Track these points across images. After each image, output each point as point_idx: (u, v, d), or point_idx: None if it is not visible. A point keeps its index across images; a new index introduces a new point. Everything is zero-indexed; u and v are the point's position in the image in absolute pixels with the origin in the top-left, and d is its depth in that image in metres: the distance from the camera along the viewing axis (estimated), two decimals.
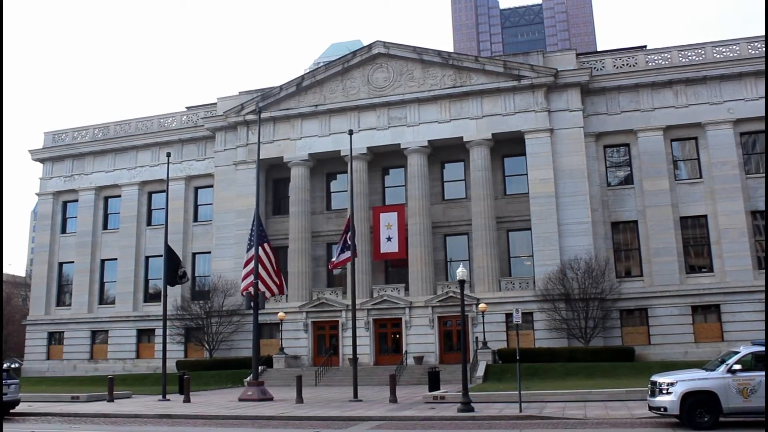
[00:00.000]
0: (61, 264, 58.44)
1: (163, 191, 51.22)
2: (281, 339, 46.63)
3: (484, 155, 46.63)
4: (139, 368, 52.12)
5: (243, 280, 36.50)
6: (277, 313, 46.24)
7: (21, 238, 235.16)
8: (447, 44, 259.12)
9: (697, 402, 18.71)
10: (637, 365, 37.74)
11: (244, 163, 51.11)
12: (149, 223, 56.22)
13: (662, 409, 19.31)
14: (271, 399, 31.96)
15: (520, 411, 23.64)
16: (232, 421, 24.65)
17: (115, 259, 55.98)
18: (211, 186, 53.93)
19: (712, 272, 43.41)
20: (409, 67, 48.90)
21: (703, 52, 45.88)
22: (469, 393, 25.56)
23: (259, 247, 34.73)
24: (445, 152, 49.08)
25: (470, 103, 47.28)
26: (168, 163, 40.40)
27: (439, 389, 31.65)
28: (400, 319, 46.00)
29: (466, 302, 33.56)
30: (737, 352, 19.39)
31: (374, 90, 49.22)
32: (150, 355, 52.49)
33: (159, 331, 49.28)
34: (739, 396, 18.46)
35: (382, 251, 47.76)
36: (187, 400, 31.37)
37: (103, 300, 56.44)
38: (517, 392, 25.11)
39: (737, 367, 18.74)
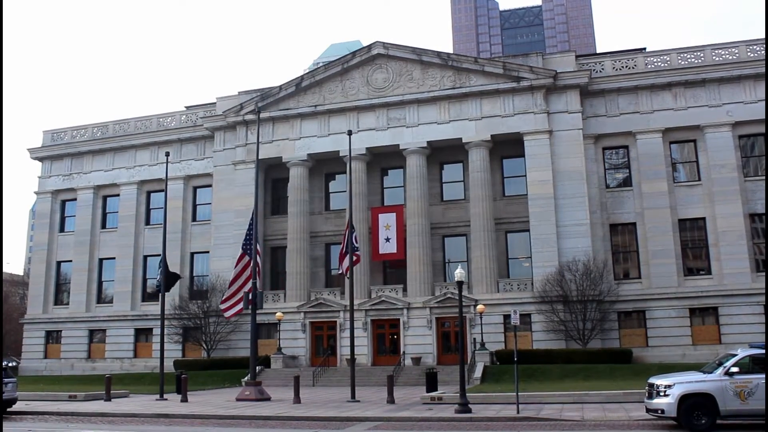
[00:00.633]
0: (59, 263, 58.39)
1: (161, 190, 51.37)
2: (279, 339, 46.62)
3: (483, 156, 46.65)
4: (137, 368, 52.08)
5: (226, 301, 35.54)
6: (275, 313, 46.24)
7: (19, 237, 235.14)
8: (446, 45, 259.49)
9: (695, 404, 18.73)
10: (635, 367, 37.78)
11: (243, 163, 51.10)
12: (148, 223, 56.19)
13: (659, 411, 19.34)
14: (268, 399, 31.96)
15: (518, 412, 23.65)
16: (230, 421, 24.64)
17: (114, 258, 55.94)
18: (210, 186, 53.92)
19: (710, 275, 43.44)
20: (408, 67, 48.92)
21: (702, 55, 45.94)
22: (467, 394, 25.58)
23: (249, 254, 34.72)
24: (444, 153, 49.10)
25: (469, 105, 47.31)
26: (167, 162, 40.37)
27: (436, 390, 31.65)
28: (398, 319, 46.00)
29: (464, 303, 33.63)
30: (735, 355, 19.43)
31: (373, 90, 49.24)
32: (148, 354, 52.45)
33: (157, 331, 49.20)
34: (737, 399, 18.48)
35: (380, 252, 47.77)
36: (184, 399, 31.37)
37: (101, 299, 56.39)
38: (515, 393, 25.14)
39: (735, 369, 18.77)
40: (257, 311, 34.45)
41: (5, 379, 26.35)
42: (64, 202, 59.40)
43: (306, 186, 50.52)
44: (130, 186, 56.56)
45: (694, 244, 44.65)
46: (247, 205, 46.37)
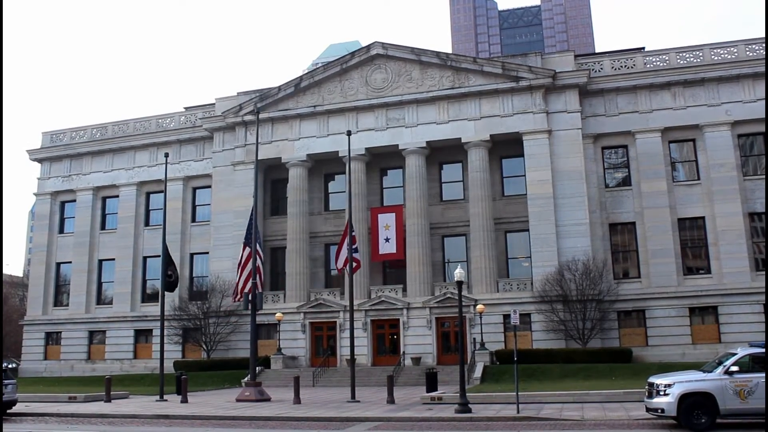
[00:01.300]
0: (58, 264, 58.39)
1: (161, 192, 51.35)
2: (279, 340, 46.62)
3: (482, 156, 46.66)
4: (137, 369, 52.06)
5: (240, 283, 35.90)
6: (275, 313, 46.23)
7: (18, 238, 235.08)
8: (445, 45, 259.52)
9: (695, 403, 18.73)
10: (635, 366, 37.78)
11: (243, 163, 51.10)
12: (147, 224, 56.19)
13: (659, 411, 19.34)
14: (268, 400, 31.95)
15: (518, 412, 23.66)
16: (230, 422, 24.63)
17: (113, 259, 55.93)
18: (209, 186, 53.91)
19: (710, 274, 43.46)
20: (407, 68, 48.93)
21: (701, 54, 45.96)
22: (467, 394, 25.58)
23: (250, 252, 34.70)
24: (444, 153, 49.11)
25: (468, 105, 47.32)
26: (166, 163, 40.34)
27: (436, 390, 31.65)
28: (398, 320, 46.01)
29: (463, 303, 33.63)
30: (734, 354, 19.43)
31: (373, 91, 49.24)
32: (147, 355, 52.44)
33: (156, 332, 49.23)
34: (737, 398, 18.48)
35: (380, 252, 47.77)
36: (184, 400, 31.35)
37: (100, 300, 56.38)
38: (515, 393, 25.14)
39: (734, 368, 18.77)
40: (257, 312, 34.43)
41: (5, 381, 26.34)
42: (63, 204, 59.39)
43: (305, 186, 50.52)
44: (129, 187, 56.55)
45: (693, 244, 44.66)
46: (247, 205, 46.36)
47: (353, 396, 30.77)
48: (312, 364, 46.18)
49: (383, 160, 50.45)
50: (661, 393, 19.29)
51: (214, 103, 54.57)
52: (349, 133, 39.03)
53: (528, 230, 45.38)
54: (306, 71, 73.75)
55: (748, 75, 44.38)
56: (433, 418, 23.64)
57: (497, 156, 48.27)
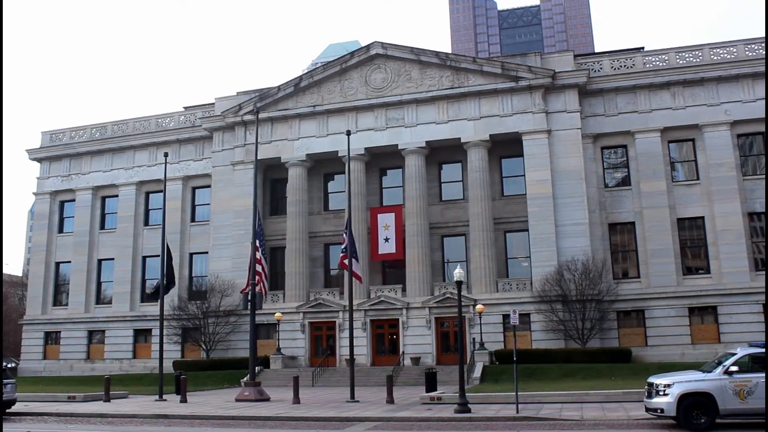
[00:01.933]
0: (58, 264, 58.34)
1: (160, 191, 51.31)
2: (278, 339, 46.59)
3: (482, 156, 46.64)
4: (136, 368, 52.03)
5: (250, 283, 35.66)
6: (274, 313, 46.19)
7: (18, 238, 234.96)
8: (445, 45, 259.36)
9: (694, 403, 18.72)
10: (634, 366, 37.78)
11: (242, 163, 51.07)
12: (146, 223, 56.16)
13: (659, 411, 19.33)
14: (268, 399, 31.94)
15: (517, 412, 23.65)
16: (229, 422, 24.62)
17: (112, 259, 55.90)
18: (209, 186, 53.88)
19: (709, 274, 43.45)
20: (407, 67, 48.91)
21: (700, 54, 45.95)
22: (466, 394, 25.57)
23: (257, 247, 34.72)
24: (443, 153, 49.09)
25: (468, 104, 47.30)
26: (165, 163, 40.35)
27: (436, 390, 31.64)
28: (398, 320, 45.99)
29: (463, 303, 33.59)
30: (734, 354, 19.42)
31: (372, 91, 49.22)
32: (147, 355, 52.42)
33: (156, 331, 49.24)
34: (736, 398, 18.47)
35: (379, 252, 47.75)
36: (183, 400, 31.33)
37: (100, 300, 56.34)
38: (514, 393, 25.12)
39: (734, 368, 18.76)
40: (256, 311, 34.40)
41: (4, 380, 26.30)
42: (62, 203, 59.34)
43: (305, 186, 50.49)
44: (128, 187, 56.51)
45: (693, 243, 44.66)
46: (246, 205, 46.35)
47: (352, 396, 30.76)
48: (311, 364, 46.16)
49: (383, 159, 50.43)
50: (661, 393, 19.28)
51: (213, 103, 54.55)
52: (348, 133, 38.98)
53: (527, 230, 45.37)
54: (305, 71, 73.72)
55: (748, 75, 44.37)
56: (432, 418, 23.64)
57: (497, 156, 48.24)
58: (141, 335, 53.80)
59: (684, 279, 43.73)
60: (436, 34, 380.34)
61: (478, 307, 41.07)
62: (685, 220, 44.72)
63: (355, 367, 34.02)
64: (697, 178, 44.93)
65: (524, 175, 46.37)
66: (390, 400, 28.92)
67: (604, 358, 39.10)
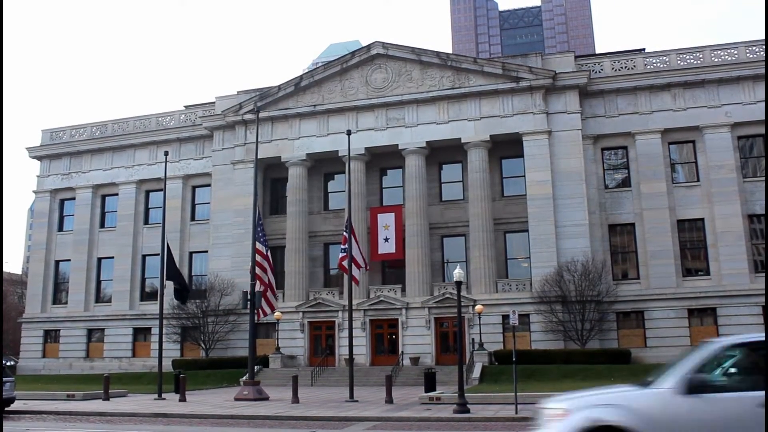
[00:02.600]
0: (57, 262, 58.33)
1: (160, 190, 51.32)
2: (277, 339, 46.58)
3: (482, 157, 46.64)
4: (135, 367, 52.02)
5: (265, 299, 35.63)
6: (274, 312, 46.11)
7: (18, 236, 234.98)
8: (446, 45, 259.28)
9: None
10: (634, 368, 37.78)
11: (242, 162, 51.08)
12: (146, 222, 56.15)
13: None
14: (267, 399, 31.92)
15: (516, 413, 23.61)
16: (228, 421, 24.60)
17: (112, 257, 55.90)
18: (209, 185, 53.89)
19: (709, 275, 43.46)
20: (407, 67, 48.91)
21: (701, 56, 45.96)
22: (465, 394, 25.54)
23: (262, 246, 34.73)
24: (443, 153, 49.09)
25: (468, 105, 47.30)
26: (165, 161, 40.35)
27: (435, 390, 31.62)
28: (397, 319, 46.00)
29: (462, 303, 33.58)
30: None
31: (373, 90, 49.22)
32: (146, 353, 52.42)
33: (155, 330, 49.23)
34: None
35: (379, 252, 47.76)
36: (182, 399, 31.34)
37: (99, 298, 56.34)
38: (513, 394, 25.09)
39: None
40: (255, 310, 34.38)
41: (3, 379, 26.27)
42: (62, 201, 59.33)
43: (305, 186, 50.50)
44: (128, 185, 56.51)
45: (692, 245, 44.66)
46: (246, 204, 46.36)
47: (351, 395, 30.73)
48: (310, 364, 46.16)
49: (383, 159, 50.43)
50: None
51: (214, 102, 54.56)
52: (348, 133, 38.99)
53: (527, 231, 45.37)
54: (306, 70, 73.67)
55: (748, 77, 44.37)
56: (431, 418, 23.62)
57: (497, 156, 48.24)
58: (140, 334, 53.80)
59: (684, 280, 43.74)
60: (436, 35, 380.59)
61: (478, 307, 41.07)
62: (685, 221, 44.73)
63: (355, 367, 34.01)
64: (698, 180, 44.93)
65: (524, 176, 46.37)
66: (389, 399, 28.90)
67: (604, 359, 39.09)
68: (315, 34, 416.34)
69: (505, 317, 42.38)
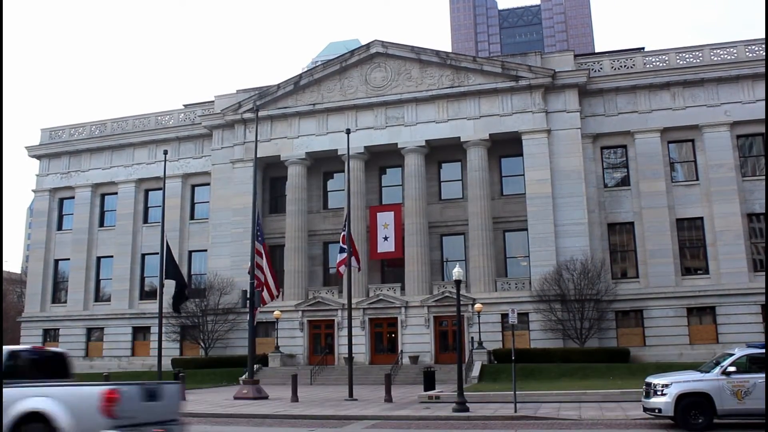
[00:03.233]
0: (56, 261, 58.30)
1: (159, 189, 51.29)
2: (277, 338, 46.60)
3: (481, 155, 46.64)
4: (135, 366, 52.04)
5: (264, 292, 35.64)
6: (273, 311, 46.18)
7: (17, 235, 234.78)
8: (445, 44, 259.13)
9: (692, 403, 18.71)
10: (632, 366, 37.81)
11: (241, 161, 51.06)
12: (146, 221, 56.13)
13: (657, 411, 19.33)
14: (266, 397, 31.94)
15: (515, 411, 23.65)
16: (227, 419, 24.62)
17: (111, 256, 55.87)
18: (208, 184, 53.87)
19: (708, 274, 43.48)
20: (407, 66, 48.89)
21: (700, 55, 45.96)
22: (465, 393, 25.57)
23: (260, 245, 34.74)
24: (443, 152, 49.09)
25: (468, 104, 47.29)
26: (165, 160, 40.39)
27: (434, 389, 31.65)
28: (396, 318, 46.01)
29: (461, 302, 33.59)
30: (732, 355, 19.42)
31: (372, 89, 49.20)
32: (145, 352, 52.43)
33: (155, 329, 49.20)
34: (734, 398, 18.47)
35: (378, 251, 47.76)
36: (182, 398, 31.29)
37: (98, 297, 56.33)
38: (512, 392, 25.12)
39: (732, 369, 18.75)
40: (255, 309, 34.40)
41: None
42: (62, 201, 59.29)
43: (304, 185, 50.49)
44: (128, 184, 56.49)
45: (691, 244, 44.68)
46: (245, 203, 46.34)
47: (351, 394, 30.76)
48: (310, 363, 46.18)
49: (382, 158, 50.42)
50: (659, 393, 19.28)
51: (213, 101, 54.51)
52: (348, 132, 38.98)
53: (526, 230, 45.38)
54: (305, 69, 73.69)
55: (748, 76, 44.39)
56: (430, 416, 23.65)
57: (496, 155, 48.25)
58: (140, 333, 53.80)
59: (683, 279, 43.76)
60: (436, 33, 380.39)
61: (477, 306, 41.09)
62: (684, 220, 44.74)
63: (354, 366, 34.05)
64: (697, 179, 44.95)
65: (524, 175, 46.38)
66: (388, 398, 28.93)
67: (603, 357, 39.12)
68: (314, 33, 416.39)
69: (504, 316, 42.41)
